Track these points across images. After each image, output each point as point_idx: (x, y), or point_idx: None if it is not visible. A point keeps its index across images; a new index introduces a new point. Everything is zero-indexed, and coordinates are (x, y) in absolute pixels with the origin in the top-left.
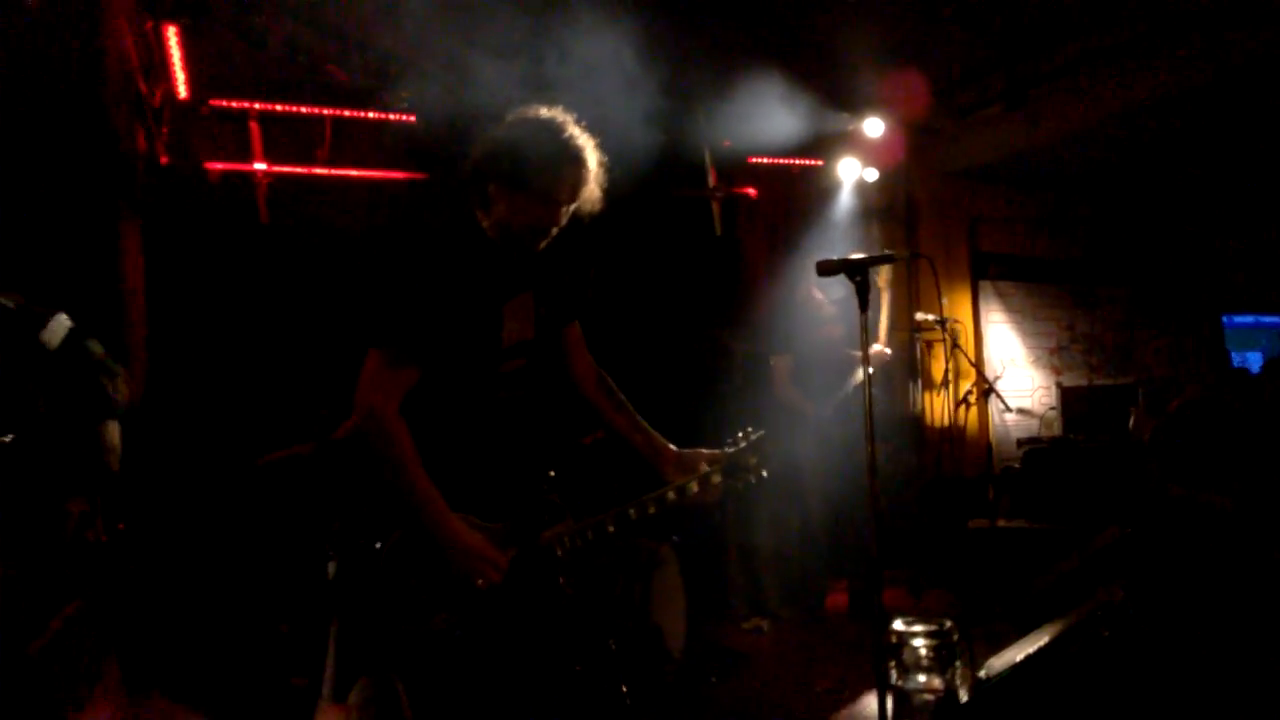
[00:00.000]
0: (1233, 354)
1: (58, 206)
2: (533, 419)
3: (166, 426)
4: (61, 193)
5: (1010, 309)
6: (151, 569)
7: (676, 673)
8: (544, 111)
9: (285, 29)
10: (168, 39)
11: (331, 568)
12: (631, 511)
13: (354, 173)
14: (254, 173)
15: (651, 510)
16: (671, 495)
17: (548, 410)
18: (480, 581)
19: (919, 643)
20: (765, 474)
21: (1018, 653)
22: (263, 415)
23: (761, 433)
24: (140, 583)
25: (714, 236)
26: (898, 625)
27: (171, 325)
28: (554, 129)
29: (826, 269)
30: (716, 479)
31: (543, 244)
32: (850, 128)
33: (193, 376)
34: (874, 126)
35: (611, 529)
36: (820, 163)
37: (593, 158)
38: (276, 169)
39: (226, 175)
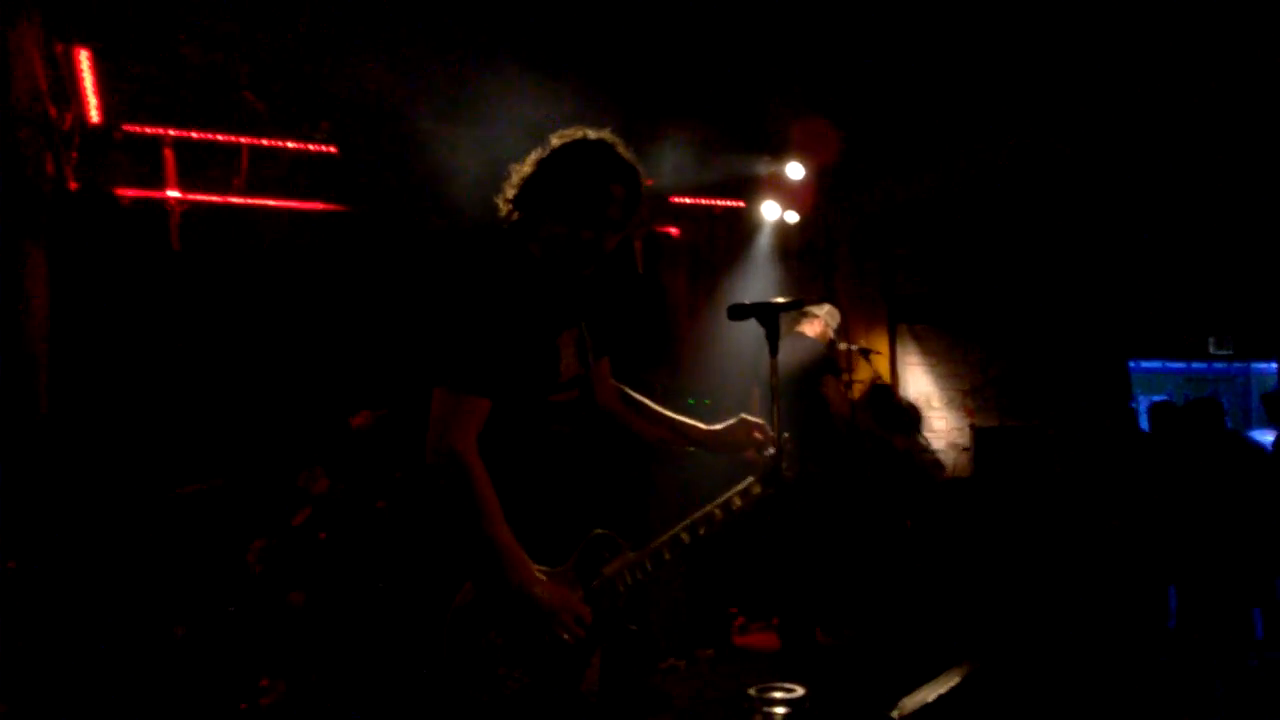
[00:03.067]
0: (1140, 397)
1: None
2: (586, 453)
3: (69, 455)
4: None
5: (926, 351)
6: (49, 607)
7: (593, 715)
8: (590, 134)
9: (202, 55)
10: (79, 63)
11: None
12: (684, 535)
13: (271, 202)
14: (167, 199)
15: (702, 532)
16: (719, 514)
17: (598, 443)
18: (567, 637)
19: (777, 710)
20: (790, 477)
21: (929, 693)
22: (172, 444)
23: (788, 436)
24: (34, 623)
25: (636, 274)
26: (752, 692)
27: (78, 352)
28: (604, 151)
29: (738, 313)
30: (757, 490)
31: (592, 269)
32: (771, 170)
33: (99, 405)
34: (794, 170)
35: (668, 556)
36: (742, 204)
37: (641, 179)
38: (190, 197)
39: (138, 202)
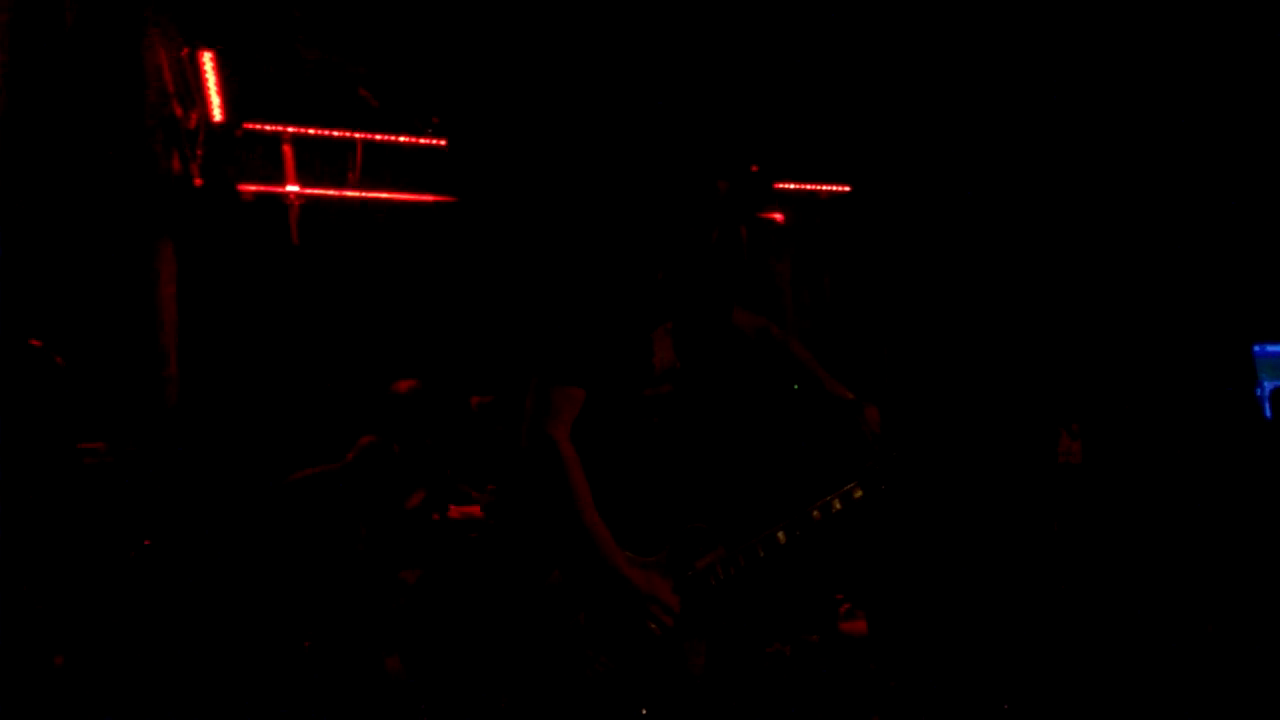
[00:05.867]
0: (1265, 382)
1: (95, 226)
2: (680, 446)
3: (196, 441)
4: (98, 213)
5: None
6: (176, 583)
7: (700, 698)
8: (693, 127)
9: (319, 53)
10: (203, 64)
11: None
12: (781, 535)
13: (385, 195)
14: (286, 194)
15: (799, 533)
16: (818, 515)
17: (695, 436)
18: (654, 627)
19: None
20: (884, 488)
21: None
22: (292, 432)
23: (896, 454)
24: (164, 596)
25: (742, 262)
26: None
27: (204, 344)
28: (708, 145)
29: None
30: (859, 494)
31: (693, 263)
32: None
33: (224, 394)
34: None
35: (762, 554)
36: (848, 189)
37: (746, 171)
38: (308, 191)
39: (259, 197)
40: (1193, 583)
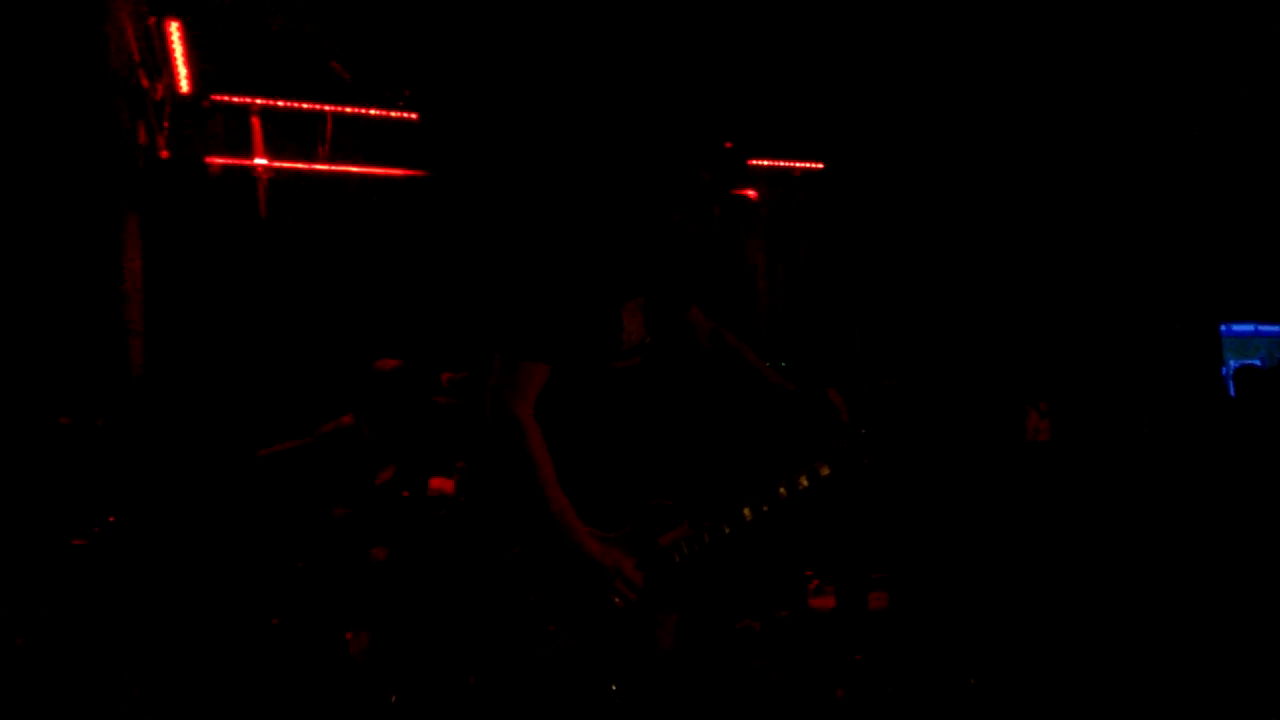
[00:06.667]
0: (1231, 362)
1: (59, 198)
2: (647, 421)
3: (162, 417)
4: (62, 185)
5: None
6: (142, 562)
7: (669, 672)
8: (677, 114)
9: (288, 24)
10: (170, 33)
11: None
12: (747, 512)
13: (354, 169)
14: (254, 168)
15: (766, 509)
16: (784, 492)
17: (662, 411)
18: (618, 601)
19: None
20: (867, 463)
21: None
22: (259, 407)
23: (865, 431)
24: (129, 576)
25: (714, 238)
26: None
27: (171, 318)
28: (693, 135)
29: None
30: (825, 471)
31: (671, 238)
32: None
33: (190, 368)
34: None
35: (728, 530)
36: (822, 166)
37: (729, 157)
38: (277, 164)
39: (227, 170)
40: (1160, 560)
